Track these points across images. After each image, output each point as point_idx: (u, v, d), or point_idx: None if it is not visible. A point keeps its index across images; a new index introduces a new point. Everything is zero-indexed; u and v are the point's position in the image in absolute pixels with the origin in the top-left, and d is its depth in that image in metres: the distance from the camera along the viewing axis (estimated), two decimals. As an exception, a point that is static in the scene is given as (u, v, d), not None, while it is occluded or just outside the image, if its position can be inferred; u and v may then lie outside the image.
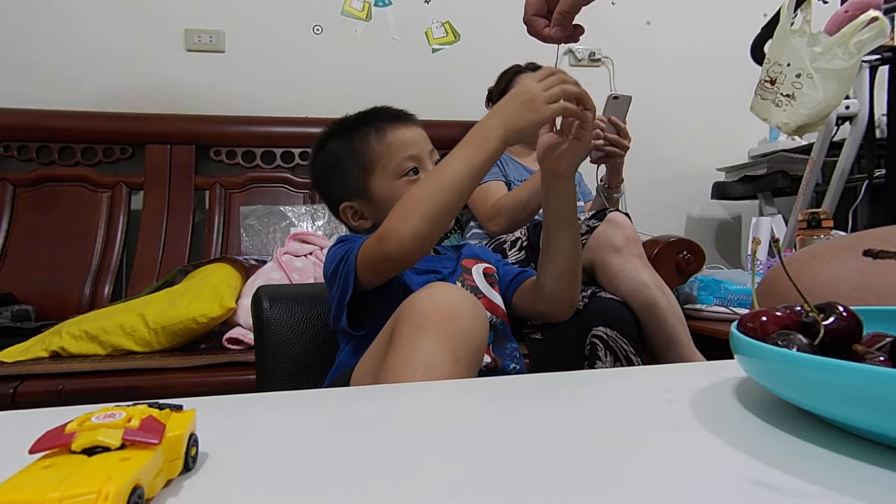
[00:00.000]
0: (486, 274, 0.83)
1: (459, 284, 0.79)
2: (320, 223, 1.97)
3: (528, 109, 0.63)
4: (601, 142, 1.40)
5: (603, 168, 1.56)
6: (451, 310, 0.57)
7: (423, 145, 0.79)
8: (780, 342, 0.31)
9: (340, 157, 0.79)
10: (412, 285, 0.73)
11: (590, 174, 1.78)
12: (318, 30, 2.23)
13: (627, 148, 1.46)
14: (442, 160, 0.66)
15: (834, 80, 1.75)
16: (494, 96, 1.89)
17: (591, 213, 1.39)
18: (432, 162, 0.79)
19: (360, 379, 0.63)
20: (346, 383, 0.66)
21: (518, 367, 0.77)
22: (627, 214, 1.39)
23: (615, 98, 1.43)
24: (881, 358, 0.31)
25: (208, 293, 1.44)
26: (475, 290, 0.80)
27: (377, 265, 0.65)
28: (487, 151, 0.63)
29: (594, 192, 1.78)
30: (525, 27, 0.68)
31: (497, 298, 0.82)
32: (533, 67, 1.84)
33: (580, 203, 1.81)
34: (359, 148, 0.77)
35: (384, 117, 0.79)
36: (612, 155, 1.45)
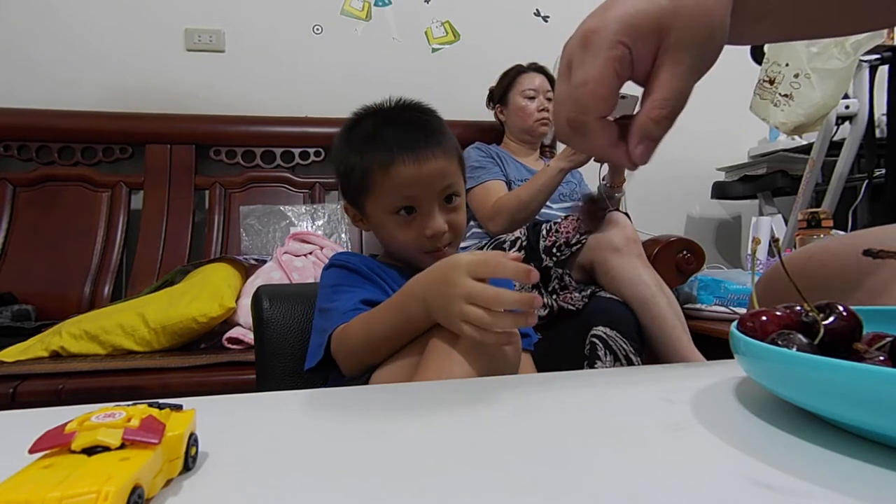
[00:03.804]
0: None
1: None
2: (320, 223, 1.97)
3: (445, 306, 0.54)
4: None
5: (605, 167, 1.56)
6: None
7: (431, 184, 0.70)
8: (779, 342, 0.31)
9: (347, 163, 0.74)
10: None
11: (590, 174, 1.78)
12: (317, 29, 2.23)
13: None
14: (375, 311, 0.63)
15: (831, 79, 1.75)
16: (496, 96, 1.89)
17: (590, 213, 1.39)
18: (440, 200, 0.71)
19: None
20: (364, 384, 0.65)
21: None
22: (627, 214, 1.40)
23: (622, 97, 1.43)
24: (881, 357, 0.31)
25: (208, 293, 1.44)
26: None
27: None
28: (409, 315, 0.59)
29: (594, 193, 1.78)
30: (565, 128, 0.39)
31: None
32: (535, 67, 1.84)
33: (580, 204, 1.81)
34: (363, 166, 0.72)
35: (396, 143, 0.69)
36: None
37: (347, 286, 0.71)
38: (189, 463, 0.27)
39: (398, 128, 0.71)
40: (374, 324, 0.62)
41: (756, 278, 0.54)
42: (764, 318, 0.36)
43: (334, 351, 0.65)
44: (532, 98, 1.78)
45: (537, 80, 1.80)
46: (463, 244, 1.58)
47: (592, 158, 1.48)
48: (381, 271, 0.74)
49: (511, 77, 1.83)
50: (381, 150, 0.70)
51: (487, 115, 1.99)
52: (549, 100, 1.80)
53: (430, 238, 0.71)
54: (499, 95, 1.86)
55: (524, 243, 1.45)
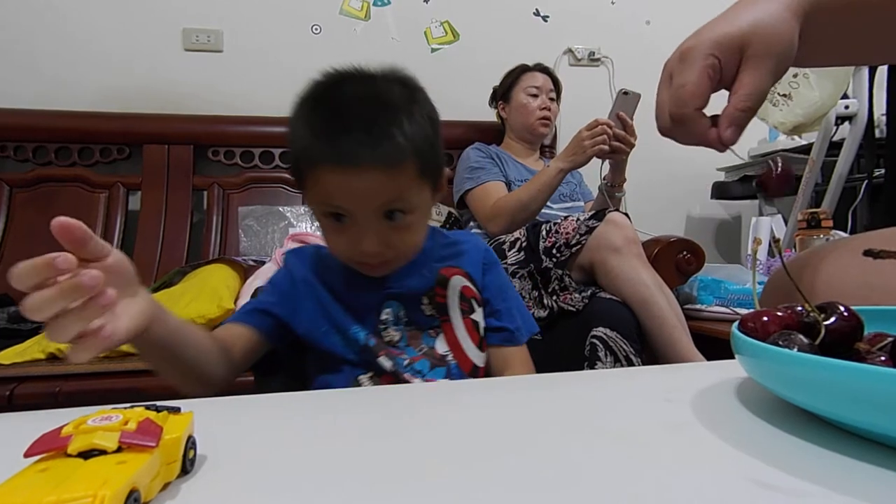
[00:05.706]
0: (463, 295, 0.68)
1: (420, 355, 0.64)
2: (319, 223, 1.97)
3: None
4: (608, 142, 1.42)
5: (606, 167, 1.57)
6: None
7: (363, 199, 0.57)
8: (780, 342, 0.31)
9: (288, 137, 0.64)
10: (333, 346, 0.64)
11: (590, 174, 1.78)
12: (316, 29, 2.23)
13: (633, 146, 1.47)
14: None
15: (829, 79, 1.76)
16: (499, 93, 1.89)
17: (590, 213, 1.39)
18: (378, 217, 0.58)
19: None
20: None
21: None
22: (627, 214, 1.40)
23: (625, 93, 1.43)
24: (882, 358, 0.31)
25: (207, 294, 1.43)
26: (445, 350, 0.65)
27: None
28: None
29: (594, 193, 1.78)
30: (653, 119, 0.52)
31: (470, 348, 0.66)
32: (541, 68, 1.84)
33: (580, 203, 1.81)
34: (294, 152, 0.62)
35: (326, 140, 0.57)
36: (617, 151, 1.46)
37: None
38: (187, 466, 0.27)
39: (340, 116, 0.58)
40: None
41: (755, 279, 0.53)
42: (765, 318, 0.36)
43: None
44: (535, 96, 1.78)
45: (541, 79, 1.80)
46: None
47: (597, 156, 1.49)
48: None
49: (516, 74, 1.83)
50: (310, 143, 0.58)
51: (487, 116, 1.99)
52: (552, 100, 1.80)
53: (361, 254, 0.60)
54: (502, 92, 1.86)
55: (524, 244, 1.45)
